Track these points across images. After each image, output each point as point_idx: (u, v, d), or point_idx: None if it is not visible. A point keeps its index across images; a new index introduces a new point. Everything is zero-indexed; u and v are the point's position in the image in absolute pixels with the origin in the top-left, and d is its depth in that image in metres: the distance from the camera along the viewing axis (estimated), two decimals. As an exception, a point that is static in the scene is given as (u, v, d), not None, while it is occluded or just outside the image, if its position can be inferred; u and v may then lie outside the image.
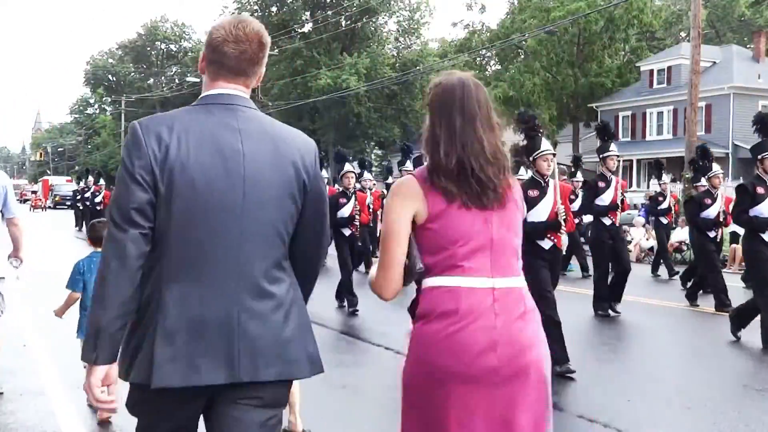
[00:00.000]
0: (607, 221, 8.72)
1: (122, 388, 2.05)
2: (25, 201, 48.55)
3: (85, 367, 2.04)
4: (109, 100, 73.37)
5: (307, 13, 48.55)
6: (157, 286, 2.01)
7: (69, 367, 5.64)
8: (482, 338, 2.14)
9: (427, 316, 2.22)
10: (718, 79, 32.58)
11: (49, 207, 46.34)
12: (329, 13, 46.66)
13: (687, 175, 18.32)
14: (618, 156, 9.06)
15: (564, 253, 6.57)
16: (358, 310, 8.99)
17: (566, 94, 37.52)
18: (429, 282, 2.24)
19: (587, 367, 6.26)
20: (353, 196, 9.50)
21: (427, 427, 2.17)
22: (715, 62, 34.65)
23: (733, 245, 14.15)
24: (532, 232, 5.90)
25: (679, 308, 9.15)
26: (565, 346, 5.86)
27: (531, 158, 6.15)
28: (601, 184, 8.73)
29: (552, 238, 6.11)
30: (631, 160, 34.40)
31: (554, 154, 6.22)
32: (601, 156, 8.84)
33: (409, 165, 10.99)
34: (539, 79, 36.03)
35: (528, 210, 5.88)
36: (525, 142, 6.19)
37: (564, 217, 6.04)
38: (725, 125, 32.20)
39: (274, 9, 48.77)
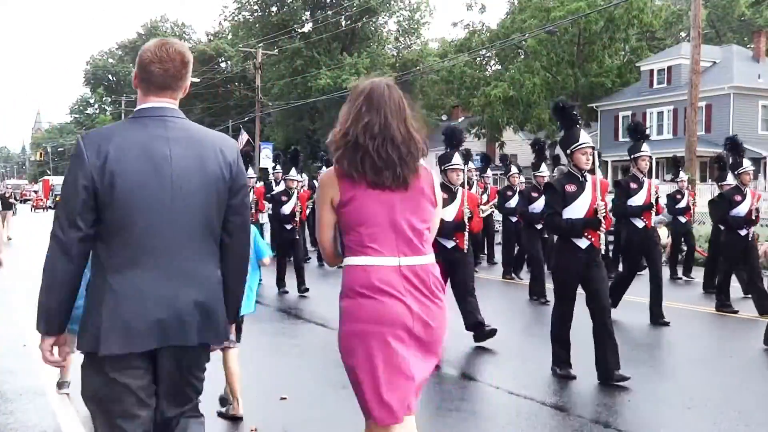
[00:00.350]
0: (639, 223, 8.34)
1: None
2: (26, 201, 48.57)
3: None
4: (109, 100, 73.40)
5: (307, 13, 48.54)
6: (104, 274, 2.43)
7: (70, 365, 5.64)
8: (397, 307, 2.55)
9: (348, 293, 2.64)
10: (718, 79, 32.58)
11: (50, 207, 46.36)
12: (329, 13, 46.66)
13: (687, 175, 18.34)
14: (650, 156, 8.57)
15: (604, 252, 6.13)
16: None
17: (566, 94, 37.48)
18: (347, 261, 2.67)
19: (588, 368, 6.26)
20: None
21: (363, 376, 2.59)
22: (715, 62, 34.66)
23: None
24: (570, 230, 5.71)
25: (681, 308, 9.14)
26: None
27: (568, 151, 5.77)
28: (633, 186, 8.33)
29: (590, 236, 5.73)
30: (631, 160, 34.37)
31: (593, 147, 5.82)
32: (632, 156, 8.41)
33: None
34: (539, 79, 36.03)
35: (565, 206, 5.72)
36: (562, 134, 5.91)
37: (604, 214, 5.69)
38: (725, 125, 32.19)
39: (274, 9, 48.77)
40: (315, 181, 14.26)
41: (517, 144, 39.61)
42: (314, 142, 44.21)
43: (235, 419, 4.76)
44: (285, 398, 5.18)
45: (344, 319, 2.63)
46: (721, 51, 36.25)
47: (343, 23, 46.76)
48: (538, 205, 10.00)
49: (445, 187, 6.89)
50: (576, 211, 5.73)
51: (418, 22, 49.08)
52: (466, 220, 6.99)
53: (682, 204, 12.20)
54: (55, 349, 2.51)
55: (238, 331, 4.70)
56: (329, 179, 2.68)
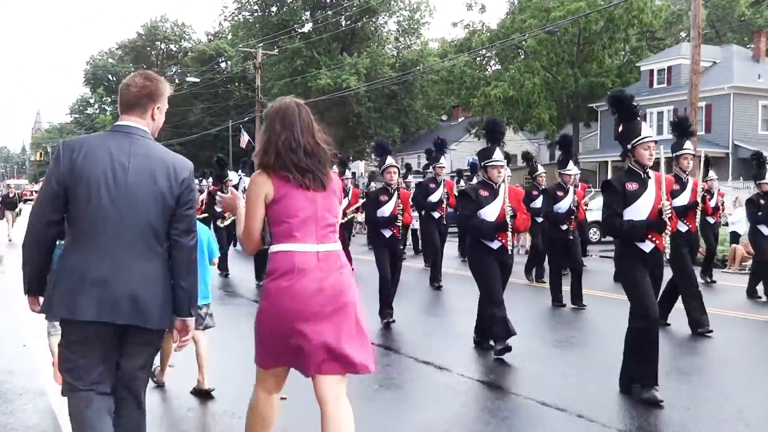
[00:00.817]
0: (683, 227, 7.84)
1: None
2: (27, 201, 48.51)
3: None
4: (109, 100, 73.33)
5: (307, 13, 48.49)
6: (65, 255, 3.06)
7: (69, 367, 5.64)
8: (312, 286, 3.12)
9: (273, 274, 3.17)
10: (718, 79, 32.57)
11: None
12: (329, 13, 46.62)
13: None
14: (693, 154, 8.17)
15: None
16: (393, 321, 8.21)
17: (566, 94, 37.51)
18: (274, 248, 3.19)
19: (587, 367, 6.26)
20: (396, 192, 8.40)
21: (272, 352, 3.35)
22: (715, 62, 34.64)
23: (734, 245, 14.14)
24: (631, 233, 5.22)
25: (681, 308, 9.12)
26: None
27: (629, 146, 5.29)
28: (676, 186, 7.79)
29: (654, 239, 5.26)
30: (631, 160, 34.35)
31: (656, 142, 5.32)
32: (675, 154, 8.01)
33: (444, 161, 11.41)
34: (539, 79, 36.02)
35: (625, 207, 5.23)
36: (620, 129, 5.41)
37: (669, 214, 5.19)
38: (725, 125, 32.19)
39: (274, 9, 48.73)
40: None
41: (517, 144, 39.57)
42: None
43: (206, 394, 5.29)
44: (285, 398, 5.17)
45: (264, 296, 3.22)
46: (721, 51, 36.23)
47: (343, 23, 46.73)
48: (564, 205, 9.61)
49: (485, 184, 6.63)
50: (638, 211, 5.23)
51: (418, 22, 49.01)
52: (509, 219, 6.45)
53: (711, 204, 11.55)
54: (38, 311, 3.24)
55: (201, 318, 5.42)
56: (263, 179, 3.19)
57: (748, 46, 38.91)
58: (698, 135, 20.44)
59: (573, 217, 9.67)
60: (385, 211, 8.31)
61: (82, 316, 2.97)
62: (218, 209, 11.63)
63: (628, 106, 5.40)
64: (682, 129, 8.16)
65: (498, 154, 6.61)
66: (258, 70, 39.17)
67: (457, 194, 11.35)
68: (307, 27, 47.67)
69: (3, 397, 5.22)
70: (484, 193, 6.54)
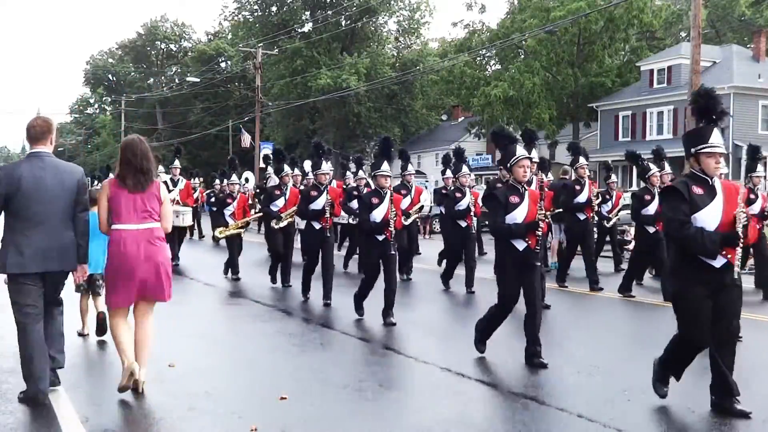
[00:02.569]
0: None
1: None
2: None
3: None
4: (109, 100, 73.28)
5: (307, 13, 48.47)
6: (12, 233, 4.98)
7: (69, 367, 5.64)
8: (134, 251, 5.08)
9: (112, 243, 5.15)
10: (718, 79, 32.54)
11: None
12: (329, 13, 46.60)
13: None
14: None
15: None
16: (394, 324, 8.02)
17: (566, 93, 37.50)
18: (114, 227, 5.17)
19: (587, 367, 6.26)
20: (387, 196, 8.15)
21: (117, 295, 5.19)
22: (715, 62, 34.63)
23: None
24: (698, 247, 4.64)
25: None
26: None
27: (693, 151, 4.87)
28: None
29: (726, 254, 4.67)
30: (631, 160, 34.36)
31: (722, 154, 4.88)
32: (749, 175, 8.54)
33: (466, 169, 11.02)
34: (539, 79, 36.00)
35: (692, 213, 4.72)
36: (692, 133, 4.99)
37: (745, 222, 4.64)
38: (725, 125, 32.19)
39: (274, 9, 48.71)
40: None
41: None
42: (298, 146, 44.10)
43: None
44: (285, 398, 5.18)
45: (109, 255, 5.18)
46: (721, 51, 36.23)
47: (343, 23, 46.71)
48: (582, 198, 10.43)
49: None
50: (706, 220, 4.71)
51: (418, 22, 49.01)
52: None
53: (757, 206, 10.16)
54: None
55: (93, 282, 7.06)
56: (108, 184, 5.26)
57: (748, 46, 38.91)
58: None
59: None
60: (377, 216, 8.04)
61: (31, 269, 4.96)
62: (274, 209, 10.97)
63: (713, 106, 4.89)
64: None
65: (521, 150, 6.33)
66: (258, 70, 39.13)
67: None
68: (307, 27, 47.67)
69: (3, 397, 5.22)
70: (514, 198, 6.18)
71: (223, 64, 59.19)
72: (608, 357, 6.81)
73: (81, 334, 7.25)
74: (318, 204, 9.34)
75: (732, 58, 34.59)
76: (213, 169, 31.35)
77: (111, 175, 16.50)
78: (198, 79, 50.49)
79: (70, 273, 5.27)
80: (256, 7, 49.22)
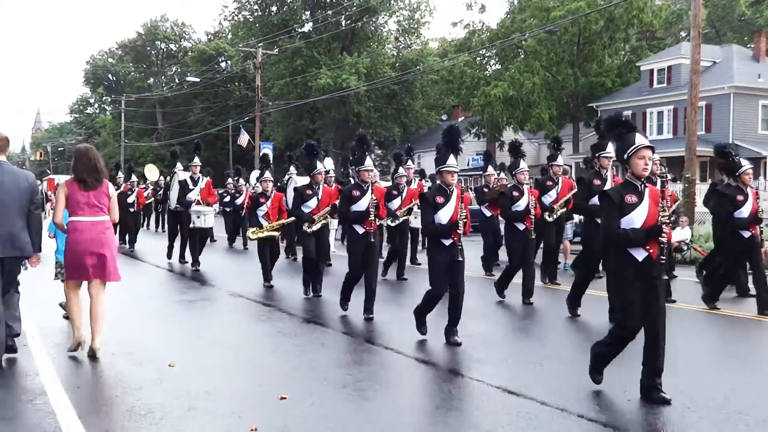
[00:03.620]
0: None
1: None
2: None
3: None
4: (109, 99, 73.26)
5: (307, 13, 48.47)
6: None
7: (69, 367, 5.64)
8: (85, 237, 6.22)
9: (69, 233, 6.29)
10: (718, 78, 32.57)
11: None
12: (329, 12, 46.60)
13: (687, 175, 18.31)
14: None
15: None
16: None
17: (566, 93, 37.50)
18: (70, 219, 6.29)
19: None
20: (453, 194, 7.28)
21: (71, 272, 6.37)
22: (715, 62, 34.63)
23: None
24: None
25: (684, 309, 9.13)
26: None
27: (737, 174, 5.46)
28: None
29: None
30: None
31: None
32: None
33: (524, 165, 9.84)
34: (539, 79, 35.99)
35: (734, 209, 5.31)
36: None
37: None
38: (725, 125, 32.19)
39: (274, 9, 48.71)
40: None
41: (516, 144, 39.62)
42: (309, 143, 44.06)
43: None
44: (285, 398, 5.18)
45: (67, 241, 6.34)
46: (721, 51, 36.22)
47: (343, 23, 46.70)
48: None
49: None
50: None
51: (418, 21, 48.99)
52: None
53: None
54: None
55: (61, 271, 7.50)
56: (66, 184, 6.35)
57: (748, 46, 38.91)
58: (698, 135, 20.43)
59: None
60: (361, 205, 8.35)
61: (2, 253, 5.94)
62: (306, 210, 9.87)
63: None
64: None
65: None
66: (258, 69, 39.15)
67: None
68: (307, 27, 47.68)
69: (3, 397, 5.22)
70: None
71: (223, 64, 59.22)
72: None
73: (66, 317, 7.63)
74: (361, 205, 8.34)
75: (732, 58, 34.59)
76: (213, 169, 31.34)
77: (258, 172, 16.21)
78: (198, 79, 50.50)
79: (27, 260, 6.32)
80: (256, 7, 49.21)
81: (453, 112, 52.86)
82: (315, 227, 9.93)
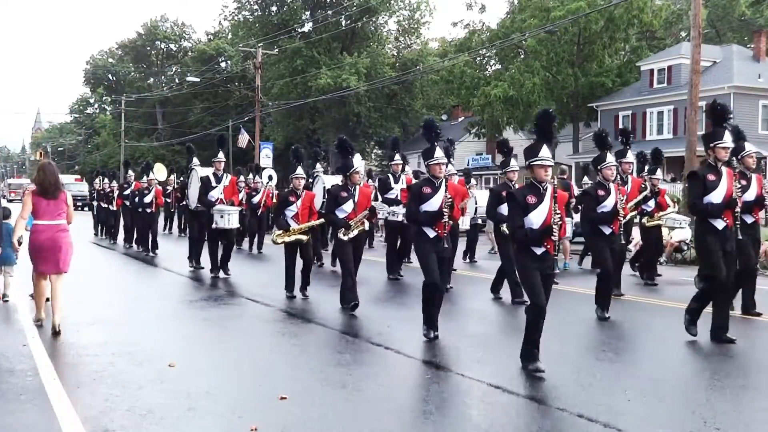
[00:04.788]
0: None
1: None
2: (11, 201, 48.36)
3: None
4: (109, 99, 73.30)
5: (307, 13, 48.48)
6: None
7: (69, 367, 5.64)
8: (45, 236, 7.42)
9: (33, 233, 7.52)
10: (718, 78, 32.57)
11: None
12: (329, 12, 46.61)
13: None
14: (757, 152, 8.30)
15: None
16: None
17: (566, 93, 37.50)
18: (35, 222, 7.51)
19: (587, 367, 6.26)
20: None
21: (38, 263, 7.62)
22: (715, 62, 34.63)
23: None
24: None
25: (682, 308, 9.12)
26: None
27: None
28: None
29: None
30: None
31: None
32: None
33: (514, 163, 9.17)
34: (539, 79, 36.00)
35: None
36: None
37: (559, 222, 5.33)
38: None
39: (274, 9, 48.72)
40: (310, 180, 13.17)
41: (517, 144, 39.63)
42: (314, 142, 44.14)
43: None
44: (285, 398, 5.18)
45: (30, 239, 7.46)
46: (721, 51, 36.22)
47: (343, 23, 46.70)
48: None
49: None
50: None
51: (418, 21, 49.00)
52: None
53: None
54: None
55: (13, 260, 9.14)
56: (31, 193, 7.48)
57: (748, 46, 38.91)
58: (698, 135, 20.42)
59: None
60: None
61: None
62: (341, 215, 8.94)
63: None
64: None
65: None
66: (258, 69, 39.14)
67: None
68: (307, 27, 47.69)
69: (3, 397, 5.21)
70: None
71: (223, 64, 59.22)
72: (608, 357, 6.81)
73: (37, 320, 8.05)
74: (433, 204, 7.14)
75: (732, 58, 34.59)
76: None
77: (269, 171, 16.93)
78: (198, 79, 50.49)
79: None
80: (256, 7, 49.22)
81: (453, 112, 52.87)
82: (352, 234, 8.90)
